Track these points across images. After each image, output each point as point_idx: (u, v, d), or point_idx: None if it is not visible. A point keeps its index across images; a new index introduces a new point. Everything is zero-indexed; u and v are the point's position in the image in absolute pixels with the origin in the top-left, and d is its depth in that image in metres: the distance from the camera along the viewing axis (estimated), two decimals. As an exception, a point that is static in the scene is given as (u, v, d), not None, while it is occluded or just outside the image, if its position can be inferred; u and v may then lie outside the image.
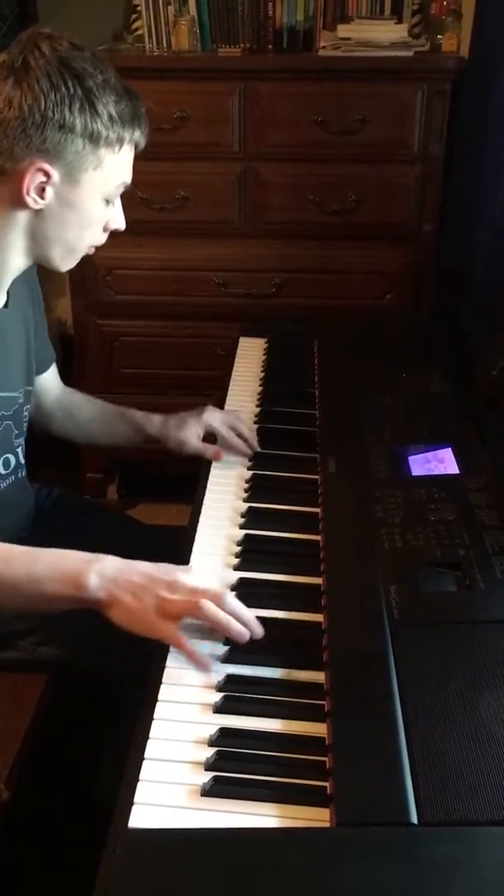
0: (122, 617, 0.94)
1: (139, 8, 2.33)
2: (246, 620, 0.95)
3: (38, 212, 1.12)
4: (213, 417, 1.43)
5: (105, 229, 1.20)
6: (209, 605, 0.93)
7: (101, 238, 1.21)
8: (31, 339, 1.34)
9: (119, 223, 1.21)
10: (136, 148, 1.16)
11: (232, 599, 0.95)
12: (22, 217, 1.13)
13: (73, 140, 1.07)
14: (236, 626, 0.93)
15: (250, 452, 1.40)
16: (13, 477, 1.32)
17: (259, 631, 0.95)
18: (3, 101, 1.05)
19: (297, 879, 0.69)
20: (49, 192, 1.10)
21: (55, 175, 1.09)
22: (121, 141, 1.12)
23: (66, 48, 1.07)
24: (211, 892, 0.69)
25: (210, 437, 1.44)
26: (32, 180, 1.08)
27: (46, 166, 1.08)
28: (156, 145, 2.16)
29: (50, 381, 1.47)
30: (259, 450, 1.41)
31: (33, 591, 0.99)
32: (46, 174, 1.08)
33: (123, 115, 1.10)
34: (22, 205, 1.10)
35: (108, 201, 1.17)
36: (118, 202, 1.19)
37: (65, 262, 1.20)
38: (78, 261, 1.22)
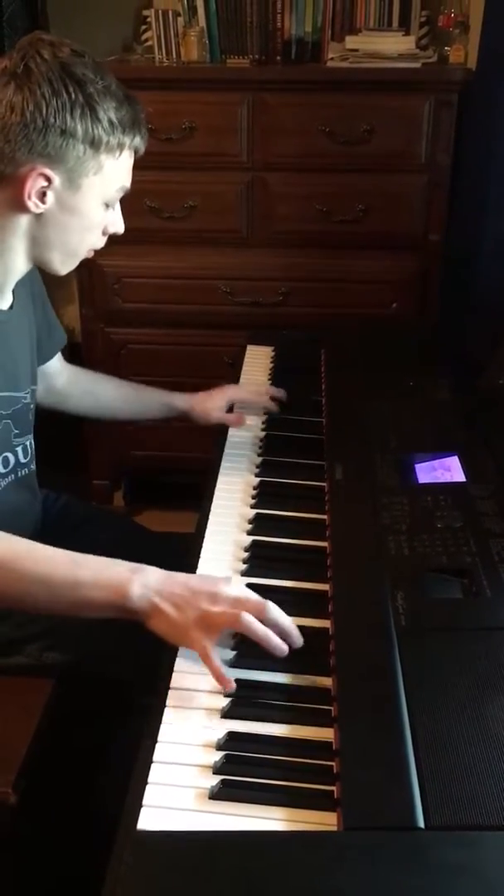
0: (163, 628, 0.94)
1: (149, 19, 2.35)
2: (287, 632, 0.95)
3: (38, 216, 1.13)
4: (235, 389, 1.62)
5: (104, 233, 1.22)
6: (249, 619, 0.92)
7: (101, 242, 1.23)
8: (34, 339, 1.35)
9: (118, 227, 1.22)
10: (136, 153, 1.18)
11: (274, 609, 0.94)
12: (23, 221, 1.14)
13: (75, 145, 1.08)
14: (275, 640, 0.93)
15: (274, 406, 1.57)
16: (12, 476, 1.32)
17: (299, 642, 0.95)
18: (4, 107, 1.06)
19: (305, 883, 0.69)
20: (50, 196, 1.11)
21: (56, 180, 1.10)
22: (121, 146, 1.13)
23: (67, 54, 1.08)
24: (218, 895, 0.69)
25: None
26: (34, 185, 1.09)
27: (48, 171, 1.09)
28: (164, 155, 2.22)
29: (57, 363, 1.51)
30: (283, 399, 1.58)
31: (75, 596, 0.98)
32: (48, 179, 1.09)
33: (124, 121, 1.12)
34: (23, 209, 1.11)
35: (107, 205, 1.18)
36: (118, 206, 1.21)
37: (64, 266, 1.22)
38: (77, 264, 1.23)
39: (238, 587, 0.97)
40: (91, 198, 1.14)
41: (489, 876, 0.69)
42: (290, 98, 2.17)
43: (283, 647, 0.93)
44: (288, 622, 0.95)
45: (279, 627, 0.94)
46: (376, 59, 2.18)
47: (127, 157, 1.16)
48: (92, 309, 2.39)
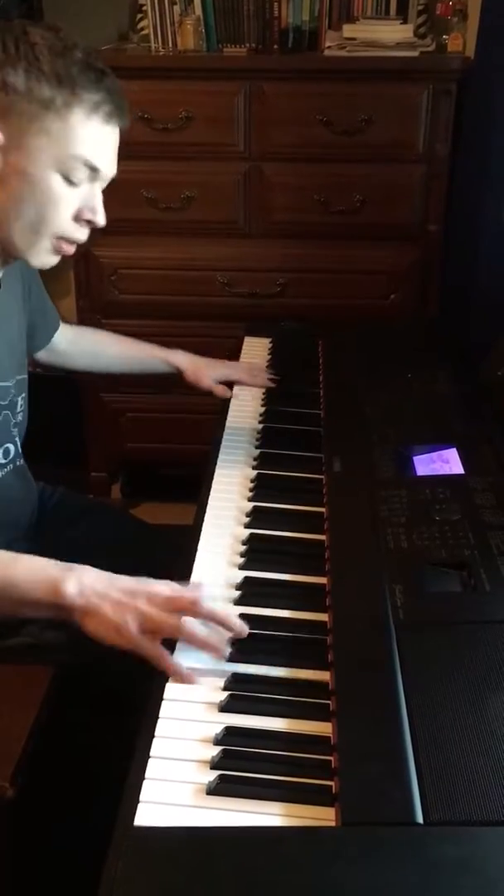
0: (100, 629, 0.94)
1: (145, 8, 2.33)
2: (224, 622, 0.95)
3: None
4: (235, 370, 1.67)
5: (77, 219, 1.14)
6: (190, 629, 0.93)
7: (72, 228, 1.14)
8: (24, 328, 1.35)
9: (94, 216, 1.14)
10: (97, 121, 1.08)
11: (207, 605, 0.95)
12: None
13: (17, 101, 1.04)
14: (213, 642, 0.94)
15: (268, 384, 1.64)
16: (11, 466, 1.32)
17: (241, 630, 0.95)
18: None
19: (302, 878, 0.69)
20: None
21: (0, 137, 1.05)
22: (68, 105, 1.06)
23: (31, 22, 1.07)
24: (216, 891, 0.69)
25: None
26: None
27: None
28: (161, 145, 2.21)
29: (58, 335, 1.52)
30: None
31: (12, 596, 0.99)
32: None
33: (74, 79, 1.05)
34: None
35: (68, 179, 1.10)
36: (96, 195, 1.14)
37: (30, 248, 1.14)
38: (49, 254, 1.16)
39: (171, 584, 0.97)
40: (38, 161, 1.07)
41: (488, 871, 0.68)
42: (288, 87, 2.16)
43: (223, 647, 0.94)
44: (222, 613, 0.96)
45: (216, 618, 0.95)
46: (374, 47, 2.17)
47: (81, 123, 1.07)
48: (88, 300, 2.38)
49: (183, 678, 0.91)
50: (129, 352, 1.65)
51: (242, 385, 1.66)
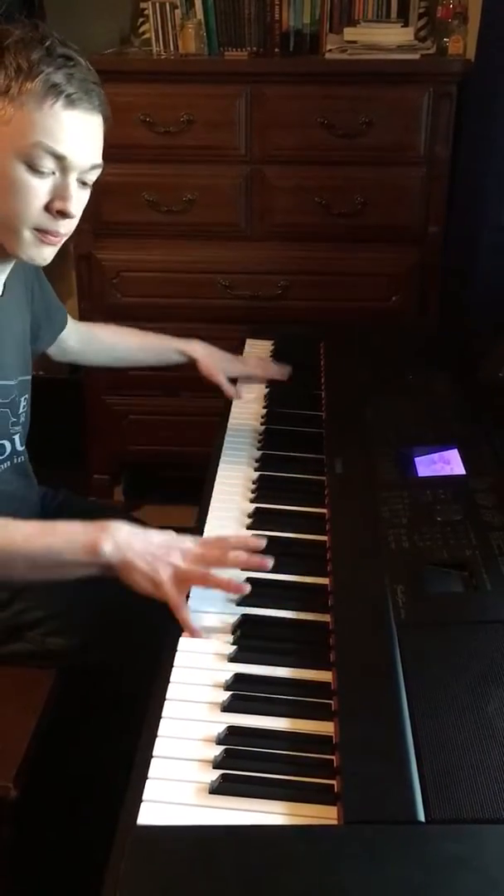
0: (137, 581, 1.02)
1: (146, 12, 2.34)
2: (250, 546, 1.05)
3: None
4: (247, 366, 1.69)
5: (49, 210, 1.11)
6: (217, 577, 1.02)
7: (45, 220, 1.11)
8: (27, 329, 1.35)
9: (62, 203, 1.10)
10: (63, 106, 1.06)
11: (234, 537, 1.08)
12: None
13: None
14: (235, 583, 1.03)
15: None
16: (8, 463, 1.32)
17: (258, 544, 1.06)
18: None
19: (305, 877, 0.69)
20: None
21: None
22: (23, 91, 1.04)
23: (18, 26, 1.07)
24: (219, 889, 0.69)
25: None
26: None
27: None
28: (162, 148, 2.22)
29: (66, 331, 1.53)
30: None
31: (52, 562, 1.06)
32: None
33: (33, 66, 1.04)
34: None
35: (33, 169, 1.07)
36: (65, 182, 1.10)
37: (12, 243, 1.13)
38: (33, 246, 1.13)
39: (199, 539, 1.07)
40: (3, 152, 1.06)
41: (490, 869, 0.69)
42: (289, 90, 2.16)
43: (266, 562, 1.05)
44: (252, 541, 1.07)
45: (247, 546, 1.05)
46: (375, 50, 2.18)
47: (37, 109, 1.05)
48: (90, 303, 2.39)
49: (194, 633, 0.98)
50: (143, 343, 1.66)
51: (255, 381, 1.67)
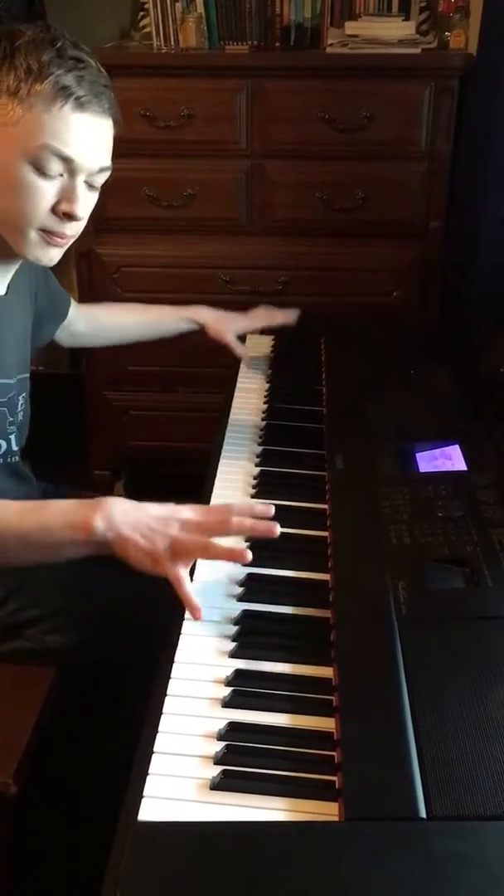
0: (134, 556, 0.97)
1: (147, 6, 2.32)
2: (257, 513, 1.01)
3: None
4: (251, 320, 1.73)
5: (55, 212, 1.11)
6: (214, 546, 0.97)
7: (52, 221, 1.11)
8: (29, 327, 1.35)
9: (68, 205, 1.10)
10: (72, 109, 1.06)
11: (239, 504, 1.02)
12: None
13: None
14: (238, 551, 0.98)
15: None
16: (2, 460, 1.32)
17: (267, 511, 1.01)
18: None
19: (306, 873, 0.69)
20: None
21: None
22: (32, 93, 1.04)
23: (30, 26, 1.07)
24: (219, 885, 0.69)
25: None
26: None
27: None
28: (162, 143, 2.21)
29: (70, 316, 1.54)
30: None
31: (45, 542, 1.02)
32: None
33: (43, 67, 1.04)
34: None
35: (41, 171, 1.07)
36: (73, 185, 1.10)
37: (18, 243, 1.13)
38: (39, 247, 1.13)
39: (197, 508, 1.01)
40: (11, 153, 1.06)
41: (491, 866, 0.69)
42: (290, 85, 2.16)
43: (247, 555, 0.99)
44: (258, 507, 1.02)
45: (245, 529, 0.99)
46: (376, 44, 2.17)
47: (46, 111, 1.05)
48: (91, 299, 2.37)
49: (193, 611, 0.95)
50: (150, 317, 1.67)
51: (264, 325, 1.74)
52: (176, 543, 0.97)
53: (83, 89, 1.06)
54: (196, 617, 0.96)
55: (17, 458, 1.36)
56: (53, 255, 1.16)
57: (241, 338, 1.82)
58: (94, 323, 1.61)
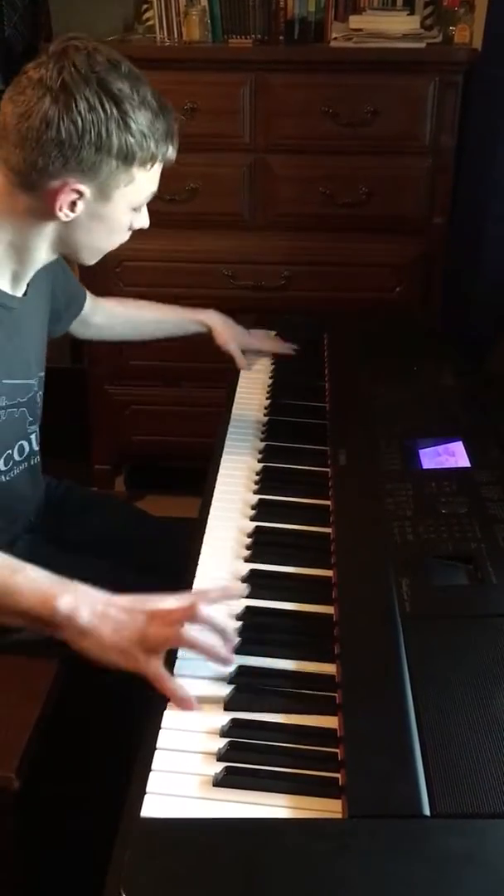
0: (97, 649, 0.91)
1: (150, -2, 2.32)
2: (221, 628, 0.93)
3: (66, 222, 1.13)
4: (256, 340, 1.75)
5: (130, 229, 1.22)
6: (190, 635, 0.90)
7: (126, 237, 1.23)
8: (46, 324, 1.36)
9: (144, 223, 1.22)
10: (167, 162, 1.17)
11: (205, 611, 0.92)
12: (50, 226, 1.15)
13: (108, 161, 1.08)
14: (217, 651, 0.91)
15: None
16: (26, 464, 1.32)
17: (234, 638, 0.94)
18: (40, 120, 1.04)
19: (309, 870, 0.69)
20: (80, 206, 1.11)
21: (87, 193, 1.10)
22: (153, 159, 1.12)
23: (104, 65, 1.06)
24: (222, 882, 0.69)
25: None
26: (66, 198, 1.09)
27: (80, 186, 1.09)
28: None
29: (86, 309, 1.55)
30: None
31: (7, 602, 0.97)
32: (79, 192, 1.09)
33: (157, 134, 1.11)
34: (52, 217, 1.12)
35: (135, 210, 1.18)
36: (145, 206, 1.21)
37: (90, 259, 1.23)
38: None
39: (167, 597, 0.94)
40: (121, 207, 1.15)
41: (495, 864, 0.68)
42: (293, 79, 2.15)
43: (228, 657, 0.91)
44: (221, 621, 0.94)
45: (213, 624, 0.92)
46: (380, 39, 2.16)
47: (158, 167, 1.16)
48: (93, 292, 2.36)
49: (183, 703, 0.87)
50: (163, 314, 1.68)
51: (263, 354, 1.74)
52: (146, 637, 0.90)
53: (177, 143, 1.17)
54: (188, 708, 0.87)
55: (37, 458, 1.36)
56: None
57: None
58: (111, 316, 1.62)
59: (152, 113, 1.10)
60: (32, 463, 1.34)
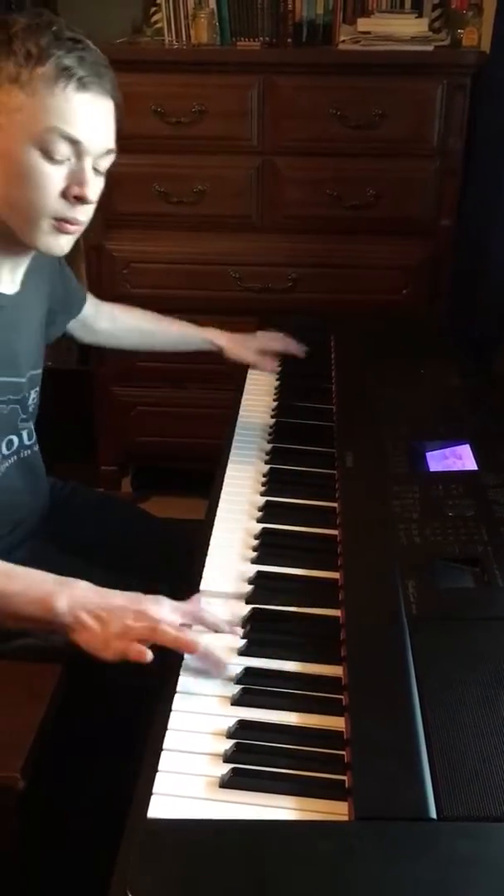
0: (86, 640, 0.94)
1: (159, 1, 2.32)
2: (218, 630, 0.96)
3: None
4: (267, 340, 1.72)
5: (66, 196, 1.10)
6: (165, 630, 0.92)
7: (62, 207, 1.11)
8: (42, 324, 1.35)
9: (79, 188, 1.10)
10: (75, 89, 1.05)
11: (206, 612, 0.96)
12: None
13: None
14: (214, 656, 0.93)
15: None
16: (15, 457, 1.31)
17: (238, 631, 0.97)
18: None
19: (315, 872, 0.69)
20: None
21: None
22: (34, 77, 1.03)
23: (23, 14, 1.05)
24: (228, 884, 0.69)
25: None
26: None
27: None
28: (173, 139, 2.21)
29: (90, 308, 1.53)
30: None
31: (5, 608, 0.99)
32: None
33: (42, 51, 1.03)
34: None
35: (49, 156, 1.07)
36: (81, 167, 1.09)
37: (30, 234, 1.12)
38: (50, 236, 1.12)
39: (166, 608, 0.95)
40: (15, 137, 1.06)
41: (501, 867, 0.68)
42: (301, 81, 2.15)
43: (221, 663, 0.92)
44: (220, 620, 0.97)
45: (215, 626, 0.96)
46: (388, 41, 2.16)
47: (49, 93, 1.04)
48: (100, 294, 2.35)
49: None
50: (170, 327, 1.67)
51: (275, 351, 1.72)
52: (133, 634, 0.92)
53: (85, 69, 1.05)
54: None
55: (30, 451, 1.35)
56: (64, 244, 1.16)
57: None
58: (118, 323, 1.60)
59: (42, 35, 1.03)
60: (23, 456, 1.33)
